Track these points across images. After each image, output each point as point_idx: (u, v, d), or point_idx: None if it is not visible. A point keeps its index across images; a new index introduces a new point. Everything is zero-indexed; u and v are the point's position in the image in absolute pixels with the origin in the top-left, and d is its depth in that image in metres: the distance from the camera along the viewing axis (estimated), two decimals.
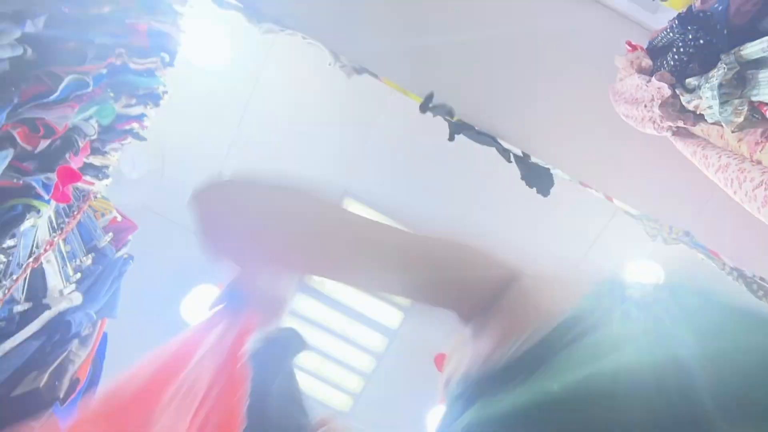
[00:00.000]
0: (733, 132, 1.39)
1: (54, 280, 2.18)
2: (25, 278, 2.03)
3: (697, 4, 1.72)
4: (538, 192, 3.09)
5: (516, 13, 2.79)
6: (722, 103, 1.40)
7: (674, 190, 2.88)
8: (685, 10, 1.75)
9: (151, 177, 3.97)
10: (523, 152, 3.01)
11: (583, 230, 4.23)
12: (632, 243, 4.16)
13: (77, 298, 2.30)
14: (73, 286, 2.29)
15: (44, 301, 2.11)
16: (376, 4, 2.80)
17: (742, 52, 1.39)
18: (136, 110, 2.49)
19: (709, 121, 1.53)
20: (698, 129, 1.65)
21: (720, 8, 1.54)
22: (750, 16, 1.48)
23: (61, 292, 2.19)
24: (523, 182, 3.08)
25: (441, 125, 3.02)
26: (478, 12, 2.79)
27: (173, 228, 4.23)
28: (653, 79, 1.70)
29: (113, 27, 1.93)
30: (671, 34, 1.76)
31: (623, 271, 4.36)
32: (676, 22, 1.71)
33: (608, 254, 4.30)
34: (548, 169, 3.03)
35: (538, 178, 3.06)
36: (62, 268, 2.25)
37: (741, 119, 1.36)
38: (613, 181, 3.01)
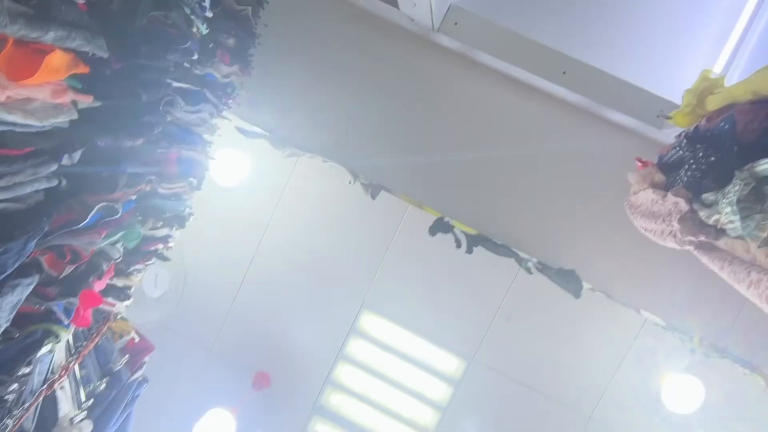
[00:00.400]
0: (759, 247, 1.36)
1: (66, 407, 2.11)
2: (37, 406, 1.97)
3: (703, 122, 1.77)
4: (570, 292, 3.01)
5: (528, 131, 2.91)
6: (743, 218, 1.38)
7: (703, 301, 2.79)
8: (692, 128, 1.81)
9: (171, 296, 3.99)
10: (543, 262, 2.99)
11: (613, 343, 4.06)
12: (668, 355, 3.98)
13: (87, 427, 2.22)
14: (85, 413, 2.21)
15: (53, 430, 2.03)
16: (396, 127, 2.95)
17: (756, 168, 1.40)
18: (161, 232, 2.56)
19: (732, 235, 1.51)
20: (721, 243, 1.62)
21: (726, 126, 1.58)
22: (758, 133, 1.52)
23: (71, 421, 2.12)
24: (550, 287, 3.03)
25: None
26: (492, 132, 2.92)
27: (191, 348, 4.18)
28: (669, 194, 1.71)
29: (145, 157, 2.05)
30: (681, 151, 1.80)
31: (660, 385, 4.11)
32: (685, 139, 1.75)
33: (642, 368, 4.08)
34: (573, 270, 2.98)
35: (565, 280, 3.01)
36: (75, 394, 2.19)
37: (766, 234, 1.34)
38: (639, 291, 2.93)
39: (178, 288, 4.05)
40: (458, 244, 2.94)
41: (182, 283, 4.08)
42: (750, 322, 2.70)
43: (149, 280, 3.72)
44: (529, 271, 3.06)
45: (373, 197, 3.07)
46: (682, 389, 4.03)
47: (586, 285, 3.02)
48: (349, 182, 3.04)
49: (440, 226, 2.85)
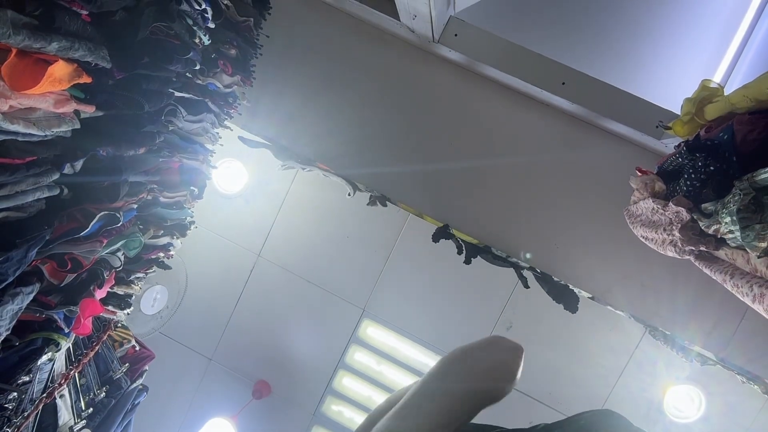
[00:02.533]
0: (759, 257, 1.37)
1: (66, 416, 2.10)
2: (37, 414, 1.97)
3: (703, 132, 1.78)
4: (565, 308, 3.01)
5: (528, 140, 2.92)
6: (743, 229, 1.38)
7: (704, 311, 2.78)
8: (692, 138, 1.81)
9: (164, 313, 3.98)
10: (542, 272, 2.99)
11: (614, 353, 4.05)
12: (669, 364, 3.97)
13: None
14: (84, 422, 2.21)
15: None
16: (396, 136, 2.96)
17: (756, 178, 1.41)
18: (162, 240, 2.56)
19: (732, 245, 1.51)
20: (722, 253, 1.63)
21: (725, 137, 1.59)
22: (758, 144, 1.52)
23: (71, 429, 2.11)
24: (550, 297, 3.02)
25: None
26: (491, 141, 2.93)
27: (191, 356, 4.17)
28: (670, 203, 1.71)
29: (147, 166, 2.06)
30: (680, 160, 1.81)
31: (661, 395, 4.10)
32: (684, 149, 1.76)
33: (643, 377, 4.07)
34: (567, 286, 2.97)
35: (562, 295, 3.00)
36: (75, 402, 2.19)
37: (765, 245, 1.34)
38: (640, 301, 2.93)
39: (175, 303, 4.05)
40: (460, 250, 2.94)
41: (181, 296, 4.08)
42: (751, 330, 2.69)
43: (149, 298, 3.71)
44: (526, 285, 3.05)
45: (384, 205, 3.08)
46: (683, 398, 4.02)
47: (586, 294, 3.02)
48: (348, 194, 3.05)
49: (443, 233, 2.84)
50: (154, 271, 2.76)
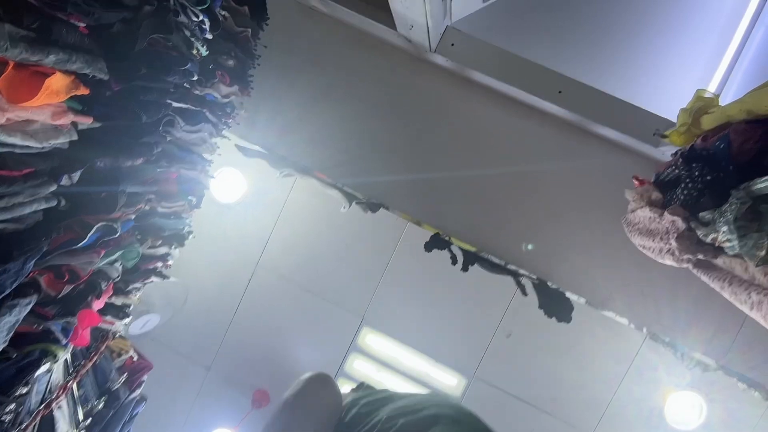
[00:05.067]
0: (757, 266, 1.36)
1: (64, 427, 2.09)
2: (34, 426, 1.96)
3: (699, 141, 1.78)
4: (558, 320, 3.01)
5: (525, 149, 2.92)
6: (740, 237, 1.39)
7: (704, 318, 2.78)
8: (687, 147, 1.82)
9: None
10: (539, 278, 2.98)
11: (614, 359, 4.03)
12: (669, 371, 3.96)
13: None
14: None
15: None
16: (394, 145, 2.97)
17: (753, 187, 1.41)
18: (160, 251, 2.56)
19: (730, 254, 1.51)
20: (720, 261, 1.62)
21: (722, 146, 1.59)
22: (754, 153, 1.52)
23: None
24: (542, 311, 3.02)
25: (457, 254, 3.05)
26: (489, 150, 2.93)
27: (189, 366, 4.15)
28: (666, 212, 1.71)
29: (145, 177, 2.06)
30: (677, 170, 1.81)
31: (662, 402, 4.08)
32: (681, 158, 1.76)
33: (644, 384, 4.05)
34: (563, 293, 2.97)
35: (556, 305, 2.99)
36: (73, 413, 2.18)
37: (763, 253, 1.34)
38: (640, 308, 2.92)
39: (173, 311, 4.03)
40: (454, 261, 2.94)
41: (181, 300, 4.07)
42: (751, 338, 2.69)
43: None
44: (524, 292, 3.05)
45: (374, 211, 3.08)
46: (684, 405, 4.00)
47: (584, 301, 3.02)
48: (344, 208, 3.05)
49: (436, 243, 2.85)
50: (152, 281, 2.76)
